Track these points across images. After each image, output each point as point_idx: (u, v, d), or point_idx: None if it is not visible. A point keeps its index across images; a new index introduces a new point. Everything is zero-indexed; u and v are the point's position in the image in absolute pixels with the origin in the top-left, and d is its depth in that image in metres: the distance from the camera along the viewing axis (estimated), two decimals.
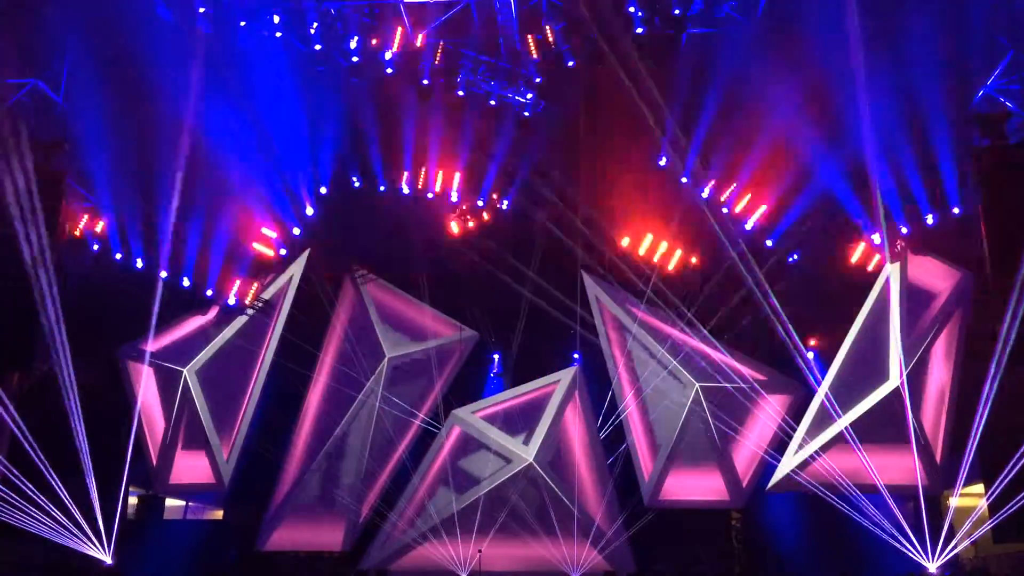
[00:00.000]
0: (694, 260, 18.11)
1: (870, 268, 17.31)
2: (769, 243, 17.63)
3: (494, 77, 17.17)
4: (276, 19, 16.40)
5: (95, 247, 18.36)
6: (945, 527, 15.66)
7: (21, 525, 15.50)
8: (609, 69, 16.55)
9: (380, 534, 17.80)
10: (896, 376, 16.49)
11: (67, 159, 17.82)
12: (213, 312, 18.93)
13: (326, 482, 18.39)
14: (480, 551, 16.91)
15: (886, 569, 15.39)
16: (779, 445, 17.42)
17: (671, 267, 18.19)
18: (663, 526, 17.29)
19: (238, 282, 18.59)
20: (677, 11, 15.70)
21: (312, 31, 16.57)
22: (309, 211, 18.71)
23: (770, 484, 17.27)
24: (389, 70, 16.81)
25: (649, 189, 18.13)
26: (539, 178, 18.56)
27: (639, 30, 15.86)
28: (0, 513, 15.31)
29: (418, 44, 16.93)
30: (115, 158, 17.43)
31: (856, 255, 17.45)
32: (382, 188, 18.99)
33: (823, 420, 17.06)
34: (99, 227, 18.44)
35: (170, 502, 19.74)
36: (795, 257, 17.74)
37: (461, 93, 17.16)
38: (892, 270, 16.99)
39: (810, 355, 17.53)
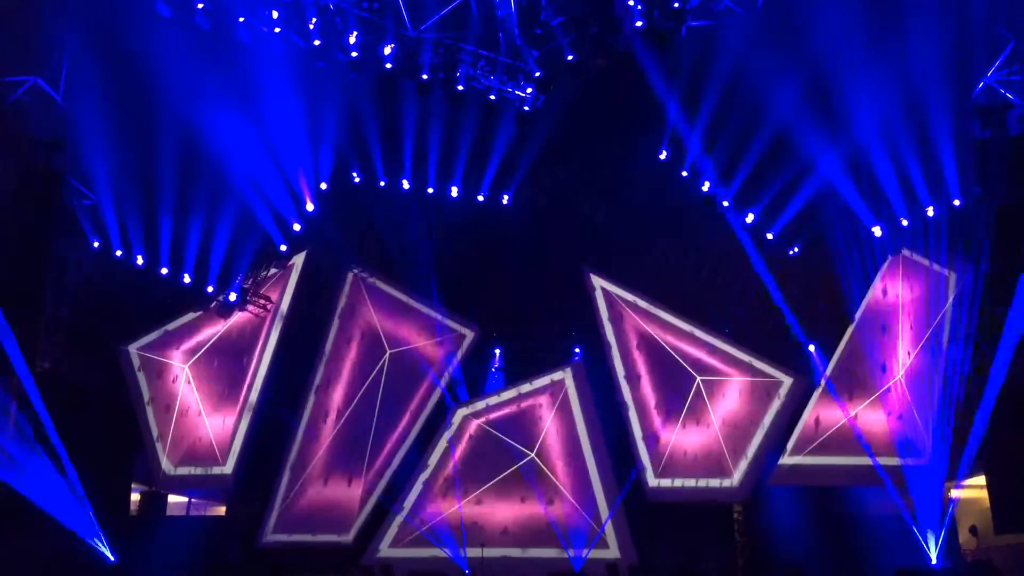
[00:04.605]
0: (695, 253, 18.11)
1: (869, 260, 17.30)
2: (770, 236, 17.63)
3: (493, 72, 17.13)
4: (275, 15, 16.37)
5: (95, 244, 18.37)
6: (947, 519, 15.72)
7: (26, 521, 15.59)
8: (609, 63, 16.53)
9: (383, 528, 17.82)
10: (897, 368, 16.50)
11: (67, 157, 17.84)
12: (214, 308, 18.94)
13: (329, 477, 18.41)
14: (483, 546, 16.95)
15: (888, 561, 15.39)
16: (781, 438, 17.42)
17: (671, 260, 18.21)
18: (665, 518, 17.31)
19: (238, 278, 18.59)
20: (677, 4, 15.65)
21: (311, 26, 16.55)
22: (309, 207, 18.71)
23: (772, 477, 17.28)
24: (388, 65, 16.79)
25: (650, 183, 18.14)
26: (539, 172, 18.59)
27: (639, 23, 15.82)
28: (5, 508, 15.39)
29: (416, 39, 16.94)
30: (115, 155, 17.43)
31: (856, 247, 17.43)
32: (382, 184, 19.00)
33: (824, 413, 17.08)
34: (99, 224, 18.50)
35: (173, 498, 19.78)
36: (796, 250, 17.73)
37: (461, 88, 17.13)
38: (893, 262, 17.00)
39: (811, 348, 17.53)
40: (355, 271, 19.45)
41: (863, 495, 16.92)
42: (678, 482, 17.58)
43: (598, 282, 18.59)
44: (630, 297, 18.44)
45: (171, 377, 18.79)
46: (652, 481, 17.54)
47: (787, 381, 17.50)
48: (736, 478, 17.33)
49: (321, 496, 18.29)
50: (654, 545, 17.21)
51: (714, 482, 17.50)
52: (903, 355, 16.73)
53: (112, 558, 16.42)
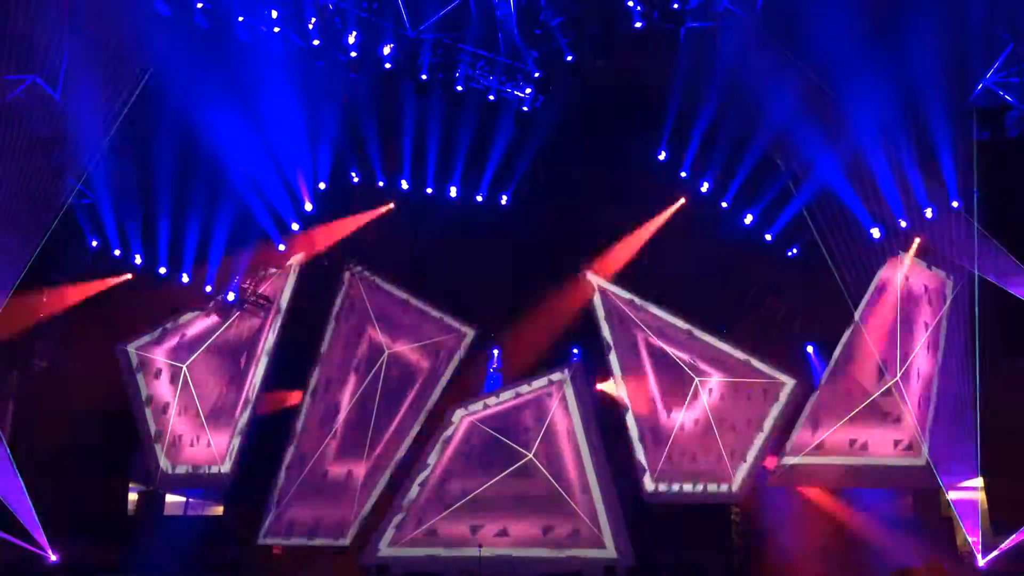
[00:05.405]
0: (694, 253, 18.12)
1: (868, 262, 17.31)
2: (768, 237, 17.65)
3: (492, 72, 17.14)
4: (274, 14, 16.37)
5: (94, 243, 18.36)
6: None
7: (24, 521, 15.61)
8: (609, 63, 16.55)
9: (382, 529, 17.81)
10: (895, 369, 16.53)
11: (65, 155, 17.81)
12: (212, 308, 18.93)
13: (327, 477, 18.39)
14: (480, 547, 16.94)
15: (886, 563, 15.42)
16: (779, 439, 17.43)
17: (670, 261, 18.22)
18: (663, 520, 17.32)
19: (237, 278, 18.59)
20: (676, 5, 15.68)
21: (310, 26, 16.55)
22: (308, 207, 18.71)
23: (770, 478, 17.29)
24: (387, 65, 16.80)
25: (649, 183, 18.16)
26: (539, 172, 18.60)
27: (638, 24, 15.85)
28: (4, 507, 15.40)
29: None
30: (113, 154, 17.42)
31: (855, 248, 17.44)
32: (381, 184, 19.00)
33: (822, 414, 17.09)
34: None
35: (170, 498, 19.75)
36: (795, 251, 17.76)
37: (460, 88, 17.14)
38: (891, 264, 17.02)
39: (809, 349, 17.55)
40: (353, 270, 19.43)
41: (861, 496, 16.93)
42: (675, 483, 17.59)
43: (596, 282, 18.60)
44: (628, 297, 18.45)
45: (169, 376, 18.78)
46: (650, 481, 17.55)
47: (786, 382, 17.51)
48: (735, 483, 17.34)
49: (319, 496, 18.26)
50: (652, 546, 17.21)
51: (712, 487, 17.50)
52: (901, 356, 16.74)
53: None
